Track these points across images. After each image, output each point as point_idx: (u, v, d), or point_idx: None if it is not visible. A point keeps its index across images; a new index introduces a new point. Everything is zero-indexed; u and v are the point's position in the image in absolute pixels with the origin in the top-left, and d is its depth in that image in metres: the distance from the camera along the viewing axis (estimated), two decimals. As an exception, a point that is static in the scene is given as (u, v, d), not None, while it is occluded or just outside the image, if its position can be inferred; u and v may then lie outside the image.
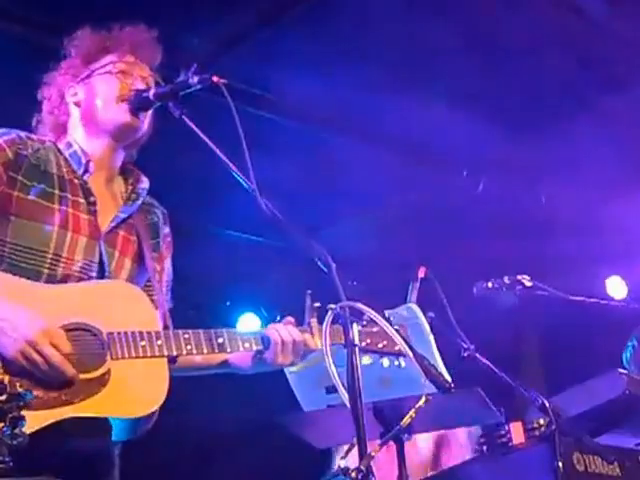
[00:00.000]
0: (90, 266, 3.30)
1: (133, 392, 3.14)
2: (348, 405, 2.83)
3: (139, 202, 3.50)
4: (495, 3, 5.88)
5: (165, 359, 3.22)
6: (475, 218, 7.54)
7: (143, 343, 3.17)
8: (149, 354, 3.17)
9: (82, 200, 3.35)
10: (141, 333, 3.18)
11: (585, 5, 6.03)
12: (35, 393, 2.93)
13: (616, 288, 8.16)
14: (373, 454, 2.82)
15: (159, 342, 3.20)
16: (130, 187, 3.52)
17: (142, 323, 3.22)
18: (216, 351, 3.33)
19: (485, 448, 4.16)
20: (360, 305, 2.93)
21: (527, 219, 7.64)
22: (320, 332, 3.42)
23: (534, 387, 4.04)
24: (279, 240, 3.27)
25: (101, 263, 3.33)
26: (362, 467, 2.76)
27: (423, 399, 2.89)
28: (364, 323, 3.16)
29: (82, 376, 3.06)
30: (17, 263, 3.18)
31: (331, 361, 3.00)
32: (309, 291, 3.45)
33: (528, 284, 4.41)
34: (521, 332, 8.60)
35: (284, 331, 3.42)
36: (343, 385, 2.91)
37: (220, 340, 3.32)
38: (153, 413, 3.15)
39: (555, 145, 7.07)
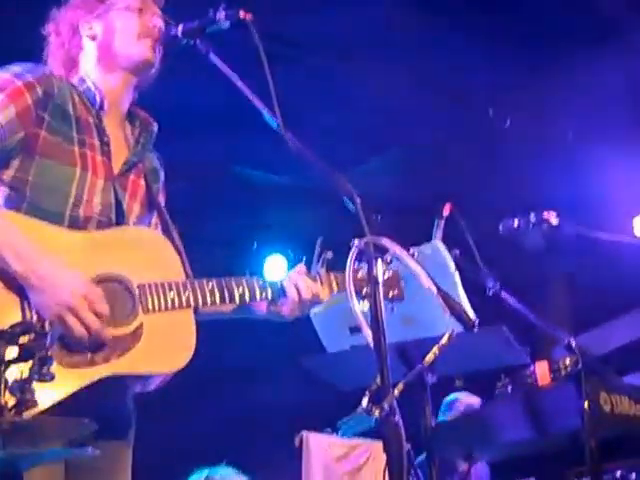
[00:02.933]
0: (109, 208, 3.28)
1: (166, 345, 3.14)
2: (371, 345, 2.82)
3: (149, 146, 3.49)
4: None
5: (191, 310, 3.23)
6: (503, 154, 7.48)
7: (172, 295, 3.17)
8: (177, 306, 3.18)
9: (97, 141, 3.32)
10: (170, 284, 3.18)
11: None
12: (73, 350, 2.97)
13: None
14: (396, 392, 2.80)
15: (187, 293, 3.20)
16: (138, 130, 3.49)
17: (168, 272, 3.22)
18: (236, 302, 3.35)
19: (510, 388, 4.15)
20: (384, 240, 2.89)
21: (551, 156, 7.55)
22: (328, 283, 3.46)
23: (561, 326, 4.02)
24: (305, 180, 3.24)
25: (118, 205, 3.31)
26: (385, 405, 2.75)
27: (447, 336, 2.87)
28: (388, 259, 3.13)
29: (116, 331, 3.05)
30: (38, 204, 3.16)
31: (355, 299, 2.98)
32: (320, 238, 3.44)
33: (554, 221, 4.35)
34: (548, 270, 8.55)
35: (304, 287, 3.42)
36: (367, 324, 2.89)
37: (240, 290, 3.33)
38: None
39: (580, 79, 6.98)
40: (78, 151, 3.25)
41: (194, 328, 3.21)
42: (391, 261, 3.23)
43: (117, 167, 3.36)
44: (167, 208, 3.53)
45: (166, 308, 3.15)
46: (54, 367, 2.66)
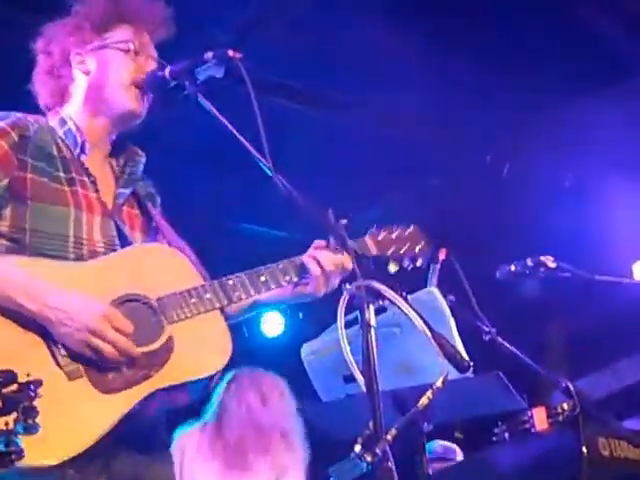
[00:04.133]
0: (113, 241, 3.27)
1: (200, 350, 3.14)
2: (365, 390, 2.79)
3: (138, 176, 3.47)
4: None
5: (219, 311, 3.22)
6: (498, 199, 7.48)
7: (193, 300, 3.16)
8: (202, 310, 3.17)
9: (86, 179, 3.31)
10: (188, 291, 3.17)
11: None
12: (110, 375, 2.98)
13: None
14: (389, 438, 2.77)
15: (208, 295, 3.19)
16: (123, 161, 3.46)
17: (184, 280, 3.22)
18: (262, 290, 3.31)
19: (507, 435, 4.11)
20: (376, 284, 2.88)
21: (552, 200, 7.55)
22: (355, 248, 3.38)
23: (558, 371, 3.99)
24: (303, 233, 3.24)
25: (122, 237, 3.30)
26: (378, 451, 2.72)
27: (441, 379, 2.84)
28: (381, 303, 3.11)
29: (147, 348, 3.05)
30: (40, 250, 3.13)
31: (347, 345, 2.95)
32: (329, 209, 3.35)
33: (552, 265, 4.34)
34: (545, 314, 8.52)
35: (325, 260, 3.36)
36: (360, 371, 2.87)
37: (263, 278, 3.30)
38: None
39: (580, 121, 6.99)
40: (69, 190, 3.24)
41: (225, 328, 3.22)
42: (377, 311, 3.21)
43: (109, 202, 3.34)
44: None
45: (191, 315, 3.14)
46: (96, 396, 2.79)
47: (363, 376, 2.85)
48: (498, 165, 7.63)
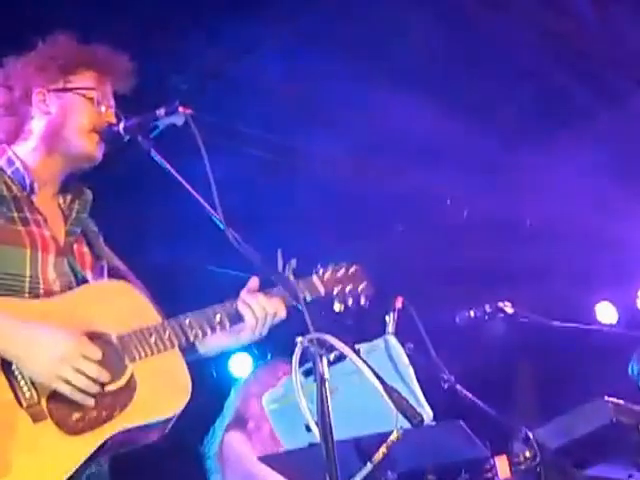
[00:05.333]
0: (67, 280, 3.27)
1: (162, 389, 3.14)
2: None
3: (85, 215, 3.46)
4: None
5: (177, 349, 3.24)
6: (457, 243, 7.50)
7: (153, 338, 3.17)
8: (162, 348, 3.19)
9: (39, 217, 3.30)
10: (148, 328, 3.18)
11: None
12: (75, 416, 2.96)
13: (606, 313, 8.10)
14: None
15: (167, 334, 3.21)
16: (69, 198, 3.45)
17: (143, 317, 3.23)
18: (217, 330, 3.34)
19: (470, 484, 4.11)
20: (329, 337, 2.90)
21: (511, 240, 7.58)
22: (297, 286, 3.43)
23: (527, 416, 4.01)
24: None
25: (75, 275, 3.30)
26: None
27: (395, 434, 2.84)
28: (333, 355, 3.13)
29: (111, 387, 3.04)
30: None
31: (302, 396, 2.97)
32: (279, 250, 3.39)
33: (510, 311, 4.38)
34: (511, 359, 8.53)
35: (258, 306, 3.39)
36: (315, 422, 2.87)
37: (218, 318, 3.34)
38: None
39: (540, 160, 7.05)
40: (24, 229, 3.23)
41: (184, 367, 3.22)
42: (337, 358, 3.22)
43: (60, 240, 3.33)
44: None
45: (152, 353, 3.16)
46: (61, 437, 2.78)
47: (318, 426, 2.85)
48: (458, 209, 7.66)
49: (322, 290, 3.59)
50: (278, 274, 3.24)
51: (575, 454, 4.06)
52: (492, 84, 6.37)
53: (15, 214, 3.24)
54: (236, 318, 3.40)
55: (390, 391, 2.88)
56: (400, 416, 2.89)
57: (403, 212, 7.51)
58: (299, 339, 2.92)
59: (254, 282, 3.45)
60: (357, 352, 2.92)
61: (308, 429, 3.82)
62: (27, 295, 3.16)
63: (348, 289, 3.64)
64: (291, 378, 3.91)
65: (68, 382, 2.97)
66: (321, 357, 2.90)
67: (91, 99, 3.38)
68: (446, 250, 7.39)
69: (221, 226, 3.12)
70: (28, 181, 3.31)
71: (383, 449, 2.90)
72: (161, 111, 3.28)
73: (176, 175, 3.22)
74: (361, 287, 3.67)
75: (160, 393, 3.13)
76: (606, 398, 4.22)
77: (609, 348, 5.54)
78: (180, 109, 3.25)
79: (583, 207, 7.20)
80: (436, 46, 6.06)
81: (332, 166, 7.03)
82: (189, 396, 3.17)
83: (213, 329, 3.33)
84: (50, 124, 3.37)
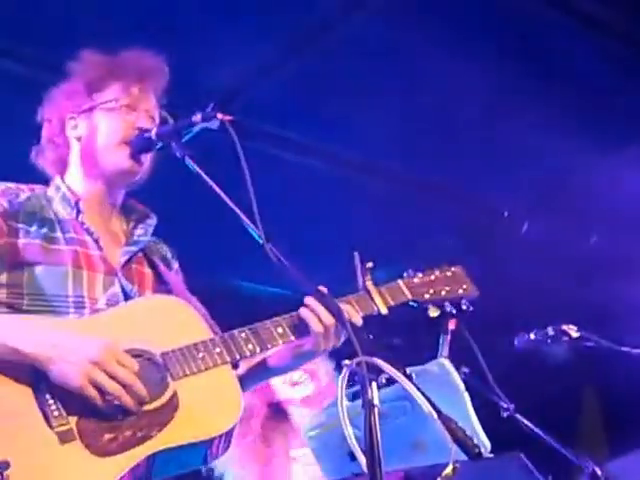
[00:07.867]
0: (117, 300, 3.25)
1: (208, 408, 3.02)
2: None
3: (147, 237, 3.47)
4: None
5: (229, 366, 3.12)
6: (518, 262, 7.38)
7: (201, 354, 3.07)
8: (211, 364, 3.07)
9: (88, 238, 3.33)
10: (196, 344, 3.09)
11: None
12: (107, 436, 2.86)
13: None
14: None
15: (217, 349, 3.11)
16: (133, 223, 3.49)
17: (192, 333, 3.13)
18: (279, 342, 3.20)
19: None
20: (378, 360, 2.75)
21: (577, 263, 7.43)
22: (379, 293, 3.33)
23: (594, 449, 3.83)
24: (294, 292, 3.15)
25: (125, 296, 3.27)
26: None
27: (450, 467, 2.69)
28: (383, 380, 2.98)
29: (149, 407, 2.94)
30: (41, 313, 3.11)
31: (348, 423, 2.83)
32: (356, 253, 3.31)
33: (575, 335, 4.22)
34: (576, 387, 8.37)
35: (324, 313, 3.17)
36: (362, 450, 2.72)
37: (280, 330, 3.20)
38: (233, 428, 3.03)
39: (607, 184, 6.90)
40: (67, 249, 3.26)
41: (236, 384, 3.10)
42: (387, 383, 3.08)
43: (115, 261, 3.33)
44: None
45: (198, 370, 3.05)
46: (90, 460, 2.73)
47: (365, 456, 2.68)
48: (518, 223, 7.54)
49: (409, 295, 3.43)
50: (320, 292, 3.08)
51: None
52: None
53: (59, 234, 3.28)
54: (301, 328, 3.22)
55: (446, 420, 2.74)
56: (456, 447, 2.76)
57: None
58: (346, 362, 2.77)
59: (324, 289, 3.22)
60: (409, 377, 2.78)
61: (352, 458, 3.71)
62: (72, 315, 3.15)
63: (444, 293, 3.48)
64: (333, 404, 3.83)
65: (97, 385, 2.88)
66: (370, 382, 2.72)
67: (115, 110, 3.40)
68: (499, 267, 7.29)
69: (260, 241, 3.02)
70: (73, 202, 3.35)
71: (439, 484, 2.74)
72: (197, 117, 3.22)
73: (213, 185, 3.12)
74: (461, 290, 3.51)
75: (203, 413, 3.01)
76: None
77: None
78: (219, 116, 3.19)
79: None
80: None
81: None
82: (240, 412, 3.03)
83: (274, 343, 3.19)
84: (83, 149, 3.43)
